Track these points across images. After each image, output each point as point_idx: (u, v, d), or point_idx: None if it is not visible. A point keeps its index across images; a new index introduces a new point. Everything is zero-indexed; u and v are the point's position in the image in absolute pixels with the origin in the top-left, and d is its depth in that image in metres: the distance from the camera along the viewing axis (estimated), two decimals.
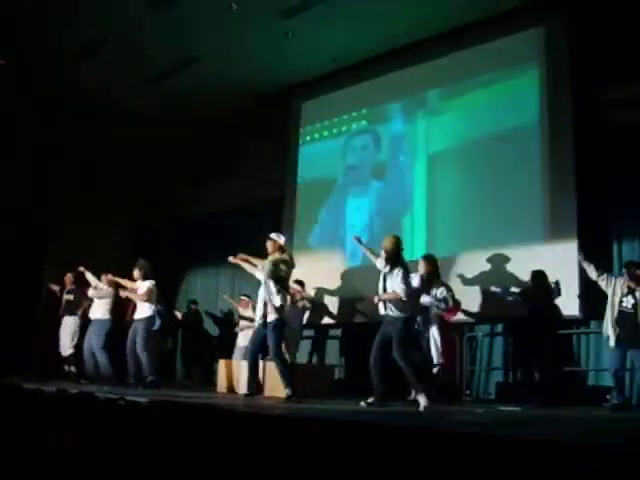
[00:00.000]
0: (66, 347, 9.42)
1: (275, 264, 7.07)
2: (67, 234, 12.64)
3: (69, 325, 9.46)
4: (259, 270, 7.38)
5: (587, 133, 7.94)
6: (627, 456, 2.48)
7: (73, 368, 9.40)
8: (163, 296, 9.14)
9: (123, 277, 8.51)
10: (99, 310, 8.52)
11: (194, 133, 12.59)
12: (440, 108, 9.41)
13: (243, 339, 9.88)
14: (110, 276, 8.64)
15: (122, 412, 4.35)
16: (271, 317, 6.83)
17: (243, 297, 10.25)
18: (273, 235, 7.48)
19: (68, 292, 9.71)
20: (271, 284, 6.93)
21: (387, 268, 6.31)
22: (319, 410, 5.06)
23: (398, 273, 6.25)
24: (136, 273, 8.23)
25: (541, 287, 7.68)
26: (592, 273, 6.78)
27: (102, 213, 13.11)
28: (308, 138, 11.12)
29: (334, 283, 9.85)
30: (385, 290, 6.31)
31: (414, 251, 8.60)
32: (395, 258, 6.35)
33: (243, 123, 11.91)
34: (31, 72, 10.79)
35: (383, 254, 6.37)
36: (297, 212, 10.90)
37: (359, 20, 9.09)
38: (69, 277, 9.82)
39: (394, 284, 6.23)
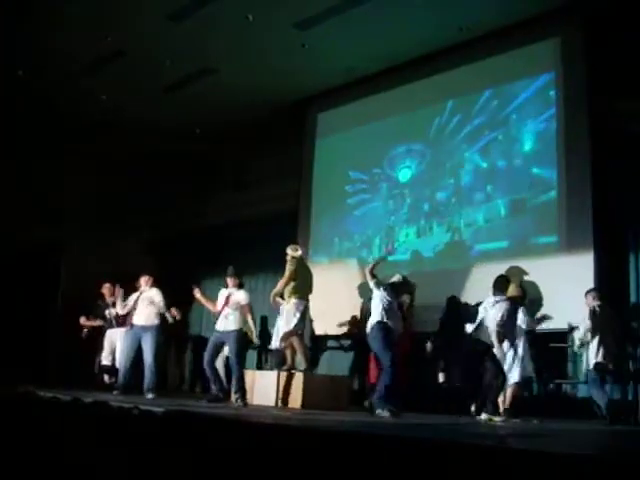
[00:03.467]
0: (109, 357, 9.06)
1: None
2: (82, 245, 12.76)
3: (116, 336, 8.97)
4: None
5: (604, 141, 7.89)
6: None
7: (108, 377, 9.07)
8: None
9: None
10: (151, 316, 8.33)
11: (210, 144, 12.64)
12: (457, 119, 9.40)
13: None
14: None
15: (136, 422, 4.34)
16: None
17: None
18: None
19: (114, 304, 8.98)
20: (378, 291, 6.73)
21: None
22: (337, 422, 5.03)
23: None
24: (231, 282, 7.94)
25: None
26: None
27: (117, 223, 13.19)
28: (324, 149, 11.12)
29: (350, 294, 9.75)
30: None
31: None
32: None
33: (259, 134, 11.92)
34: (46, 83, 10.88)
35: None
36: (312, 223, 10.90)
37: (375, 31, 9.10)
38: (108, 288, 9.25)
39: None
